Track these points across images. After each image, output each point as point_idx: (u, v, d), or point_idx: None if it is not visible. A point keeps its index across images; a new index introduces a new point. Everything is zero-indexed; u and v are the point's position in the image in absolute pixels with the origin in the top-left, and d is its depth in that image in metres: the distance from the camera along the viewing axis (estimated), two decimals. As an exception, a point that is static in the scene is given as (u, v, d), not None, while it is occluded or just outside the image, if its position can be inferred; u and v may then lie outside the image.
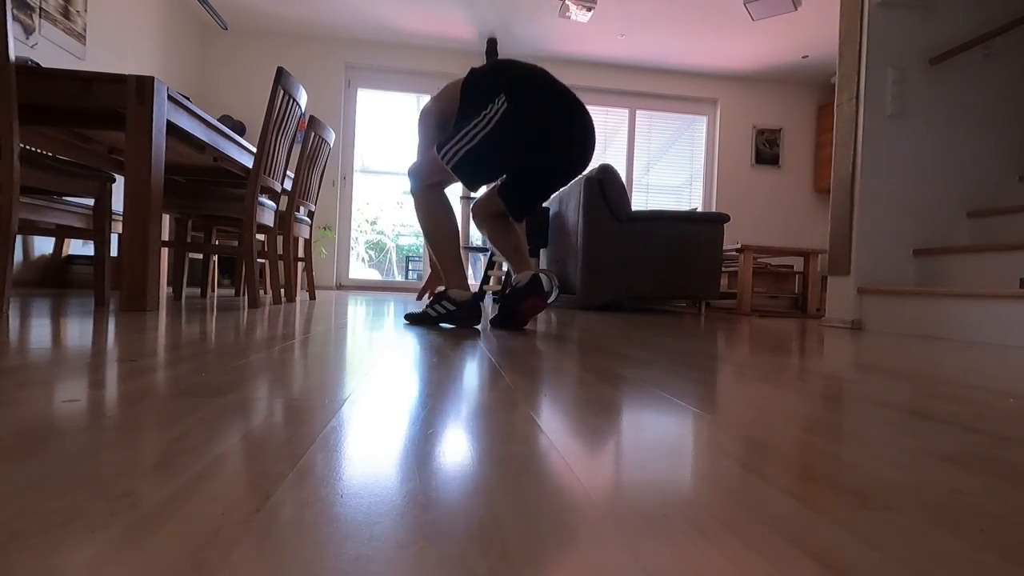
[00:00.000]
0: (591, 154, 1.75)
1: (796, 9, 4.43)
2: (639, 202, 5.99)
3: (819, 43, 5.17)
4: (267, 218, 2.47)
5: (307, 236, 3.19)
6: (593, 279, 3.47)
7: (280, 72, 2.19)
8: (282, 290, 3.19)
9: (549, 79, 1.66)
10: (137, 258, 1.74)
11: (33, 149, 2.08)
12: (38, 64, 2.70)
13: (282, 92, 2.23)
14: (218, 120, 4.14)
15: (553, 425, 0.57)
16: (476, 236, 5.44)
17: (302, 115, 2.59)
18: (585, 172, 2.91)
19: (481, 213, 1.87)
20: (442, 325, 1.72)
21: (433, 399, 0.67)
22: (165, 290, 3.36)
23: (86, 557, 0.27)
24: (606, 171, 3.43)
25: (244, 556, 0.28)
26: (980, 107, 2.75)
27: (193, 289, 3.89)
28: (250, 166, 2.46)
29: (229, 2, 4.88)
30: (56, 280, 3.51)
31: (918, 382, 0.99)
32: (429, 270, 2.00)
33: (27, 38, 3.23)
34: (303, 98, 2.48)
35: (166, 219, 3.56)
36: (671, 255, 3.55)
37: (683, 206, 6.19)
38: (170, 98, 1.82)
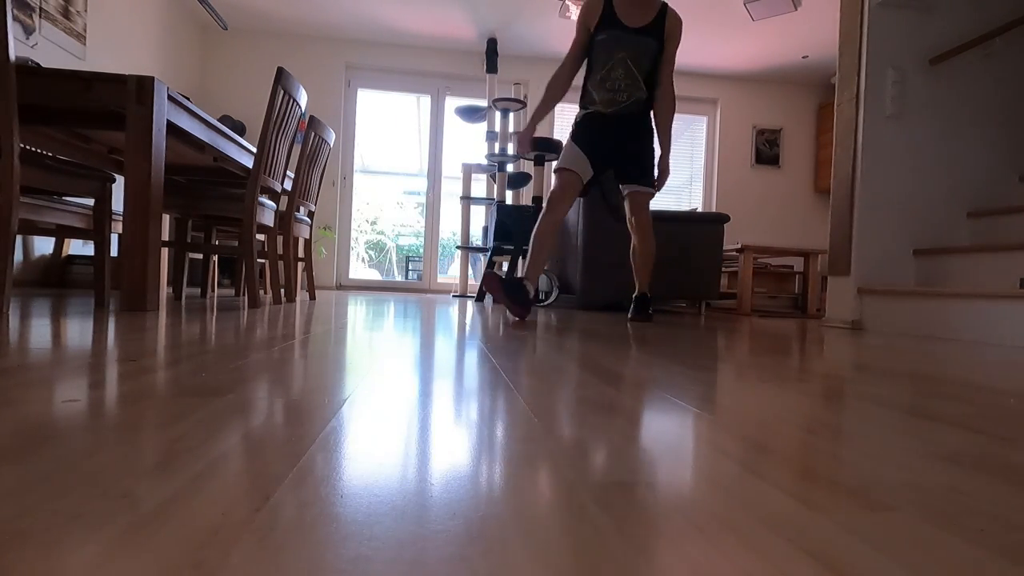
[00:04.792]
0: None
1: (796, 9, 4.43)
2: (639, 202, 5.98)
3: (819, 43, 5.17)
4: (267, 218, 2.47)
5: (307, 236, 3.19)
6: (593, 279, 3.47)
7: (280, 72, 2.19)
8: (282, 290, 3.19)
9: None
10: (137, 258, 1.74)
11: (33, 149, 2.08)
12: (38, 64, 2.71)
13: (282, 92, 2.23)
14: (218, 120, 4.14)
15: (553, 425, 0.57)
16: (476, 236, 5.44)
17: (302, 115, 2.59)
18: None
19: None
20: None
21: (433, 399, 0.67)
22: (165, 290, 3.37)
23: (86, 557, 0.27)
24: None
25: (244, 556, 0.28)
26: (980, 107, 2.75)
27: (193, 289, 3.89)
28: (250, 166, 2.46)
29: (229, 2, 4.88)
30: (56, 280, 3.51)
31: (918, 382, 0.99)
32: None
33: (27, 38, 3.23)
34: (303, 98, 2.48)
35: (166, 219, 3.56)
36: (671, 255, 3.55)
37: (683, 206, 6.19)
38: (170, 98, 1.82)
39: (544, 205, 2.39)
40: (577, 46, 2.36)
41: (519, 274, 4.13)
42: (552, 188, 2.38)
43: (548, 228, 2.35)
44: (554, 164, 2.48)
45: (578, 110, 2.46)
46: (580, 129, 2.41)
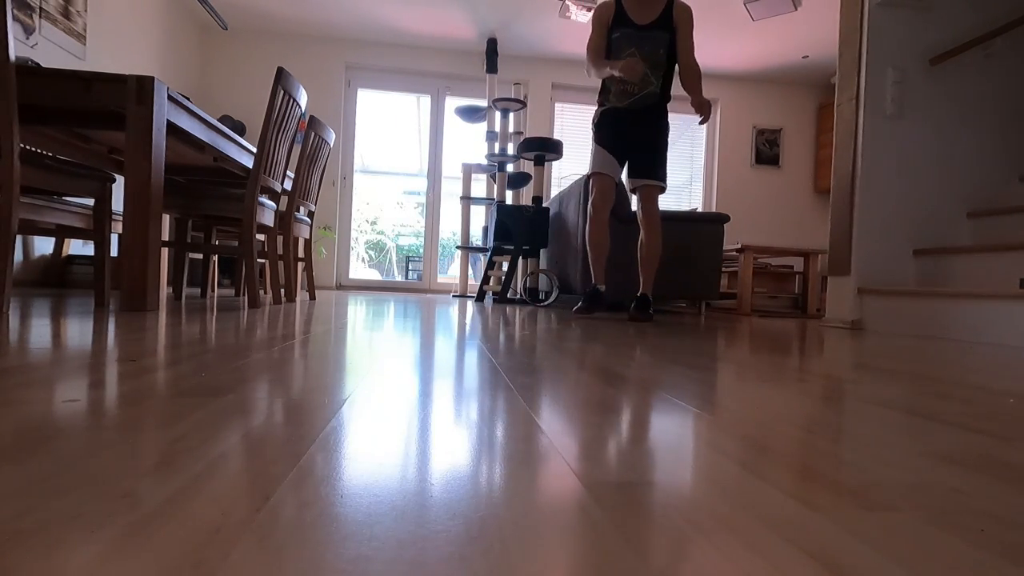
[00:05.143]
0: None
1: (796, 9, 4.43)
2: (639, 202, 5.99)
3: (819, 43, 5.17)
4: (267, 218, 2.47)
5: (307, 236, 3.19)
6: (593, 279, 3.46)
7: (280, 72, 2.19)
8: (282, 290, 3.19)
9: None
10: (137, 258, 1.74)
11: (33, 149, 2.08)
12: (38, 64, 2.70)
13: (282, 92, 2.23)
14: (218, 120, 4.14)
15: (553, 425, 0.57)
16: (476, 236, 5.44)
17: (302, 115, 2.59)
18: (585, 172, 3.00)
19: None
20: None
21: (432, 399, 0.67)
22: (165, 290, 3.37)
23: (86, 557, 0.27)
24: (606, 171, 3.42)
25: (244, 556, 0.28)
26: (980, 107, 2.75)
27: (193, 289, 3.89)
28: (250, 166, 2.46)
29: (229, 2, 4.88)
30: (56, 280, 3.51)
31: (918, 382, 0.99)
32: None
33: (27, 38, 3.23)
34: (303, 98, 2.48)
35: (166, 219, 3.56)
36: (671, 255, 3.54)
37: (683, 206, 6.19)
38: (170, 98, 1.82)
39: (588, 212, 2.52)
40: (598, 39, 2.46)
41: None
42: (592, 197, 2.51)
43: (598, 230, 2.51)
44: (587, 169, 2.62)
45: (596, 107, 2.58)
46: (600, 129, 2.52)
